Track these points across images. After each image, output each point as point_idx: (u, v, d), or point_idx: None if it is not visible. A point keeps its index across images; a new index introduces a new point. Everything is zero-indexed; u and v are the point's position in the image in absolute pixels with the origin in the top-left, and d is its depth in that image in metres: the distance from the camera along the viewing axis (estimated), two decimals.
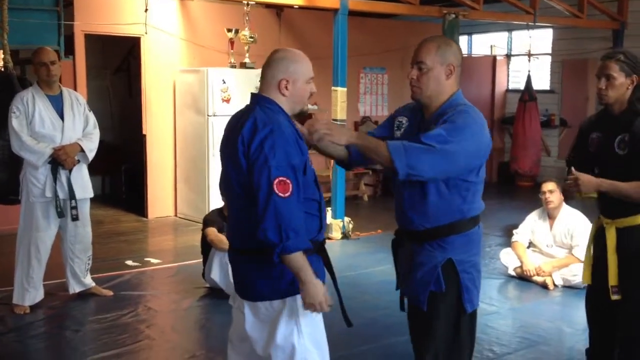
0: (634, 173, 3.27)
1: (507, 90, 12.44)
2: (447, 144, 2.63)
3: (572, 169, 3.34)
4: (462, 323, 2.85)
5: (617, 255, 3.43)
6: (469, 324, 2.90)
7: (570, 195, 3.42)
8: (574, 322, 4.73)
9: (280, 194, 2.43)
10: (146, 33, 8.19)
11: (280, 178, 2.44)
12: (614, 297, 3.44)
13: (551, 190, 5.73)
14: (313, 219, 2.62)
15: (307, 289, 2.50)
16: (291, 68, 2.65)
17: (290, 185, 2.45)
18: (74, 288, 5.24)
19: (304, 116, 2.75)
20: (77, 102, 5.10)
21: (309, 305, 2.52)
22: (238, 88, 7.96)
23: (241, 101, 7.65)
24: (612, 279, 3.43)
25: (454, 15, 8.55)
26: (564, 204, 5.78)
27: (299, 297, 2.56)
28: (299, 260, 2.46)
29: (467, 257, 2.83)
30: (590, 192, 3.31)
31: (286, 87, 2.63)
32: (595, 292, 3.63)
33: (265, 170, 2.45)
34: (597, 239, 3.59)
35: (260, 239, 2.45)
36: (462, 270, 2.81)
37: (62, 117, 4.98)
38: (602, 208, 3.50)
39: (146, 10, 8.04)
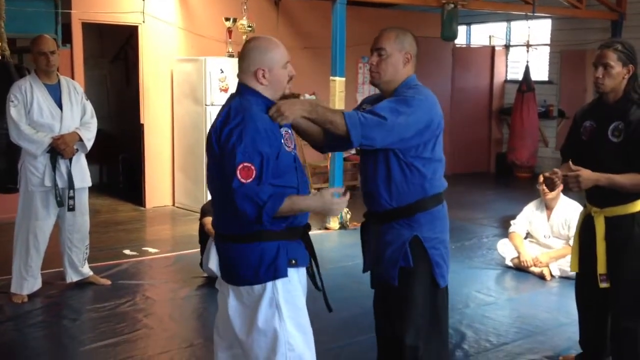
0: (629, 160, 3.31)
1: (506, 81, 12.42)
2: (398, 115, 2.79)
3: (570, 163, 3.37)
4: (438, 298, 3.01)
5: (606, 244, 3.47)
6: (444, 299, 3.05)
7: (569, 189, 3.45)
8: (571, 313, 4.74)
9: (242, 179, 2.49)
10: (144, 22, 8.17)
11: (245, 164, 2.50)
12: (603, 285, 3.49)
13: None
14: (282, 194, 2.62)
15: (314, 210, 2.68)
16: (264, 57, 2.68)
17: (254, 172, 2.51)
18: (72, 277, 5.24)
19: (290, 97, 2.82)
20: (74, 91, 5.08)
21: (330, 213, 2.71)
22: (236, 77, 7.91)
23: None
24: (601, 267, 3.49)
25: (452, 5, 8.51)
26: (561, 194, 5.78)
27: (279, 281, 2.63)
28: (287, 206, 2.56)
29: (434, 234, 2.98)
30: (589, 187, 3.33)
31: (263, 76, 2.68)
32: (584, 280, 3.67)
33: (232, 157, 2.51)
34: (585, 228, 3.63)
35: (245, 222, 2.55)
36: (430, 247, 2.96)
37: (60, 106, 4.96)
38: (590, 197, 3.54)
39: None
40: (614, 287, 3.48)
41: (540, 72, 11.78)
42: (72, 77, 6.99)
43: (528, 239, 6.07)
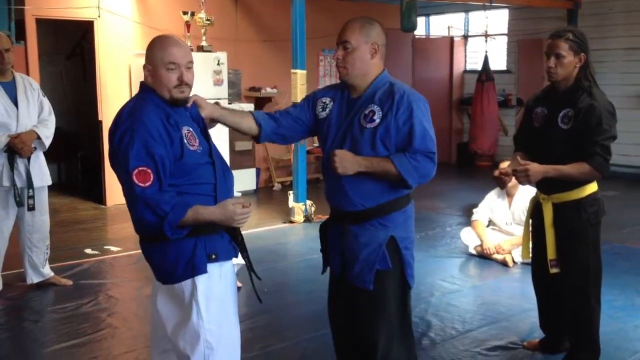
0: (577, 147, 3.37)
1: (465, 71, 12.55)
2: (434, 143, 2.76)
3: (519, 158, 3.43)
4: (407, 298, 2.94)
5: (555, 230, 3.54)
6: (410, 298, 2.98)
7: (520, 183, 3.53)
8: (533, 298, 4.78)
9: (140, 184, 2.43)
10: (99, 16, 8.04)
11: (140, 168, 2.44)
12: (553, 270, 3.57)
13: None
14: (206, 199, 2.58)
15: (217, 221, 2.54)
16: (151, 54, 2.61)
17: (151, 175, 2.44)
18: (32, 278, 5.14)
19: (183, 105, 2.68)
20: (30, 87, 4.98)
21: (233, 224, 2.57)
22: (195, 71, 7.79)
23: (199, 85, 7.56)
24: (551, 253, 3.56)
25: None
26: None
27: (198, 278, 2.57)
28: (189, 218, 2.48)
29: (406, 234, 2.89)
30: (539, 179, 3.40)
31: (150, 74, 2.61)
32: (538, 266, 3.75)
33: (125, 162, 2.45)
34: (535, 214, 3.72)
35: (144, 229, 2.50)
36: (403, 247, 2.87)
37: (16, 104, 4.86)
38: (538, 184, 3.60)
39: None
40: (564, 271, 3.56)
41: (499, 62, 11.93)
42: (27, 74, 6.83)
43: (490, 227, 6.14)
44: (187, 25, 8.03)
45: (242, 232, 2.72)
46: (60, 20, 8.23)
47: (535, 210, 3.73)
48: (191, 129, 2.62)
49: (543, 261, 3.62)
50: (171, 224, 2.46)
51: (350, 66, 2.82)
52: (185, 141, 2.55)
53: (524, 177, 3.37)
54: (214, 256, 2.60)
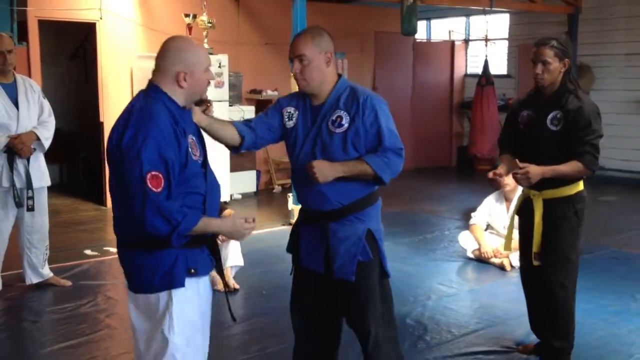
0: (568, 147, 3.52)
1: (466, 75, 12.56)
2: (399, 139, 2.92)
3: (517, 160, 3.53)
4: (387, 287, 3.06)
5: (542, 225, 3.66)
6: (390, 287, 3.09)
7: (520, 185, 3.70)
8: None
9: (154, 189, 2.39)
10: (101, 18, 8.07)
11: (153, 173, 2.39)
12: (536, 262, 3.70)
13: None
14: (196, 213, 2.53)
15: (224, 233, 2.66)
16: (188, 59, 2.56)
17: (162, 180, 2.41)
18: (32, 279, 5.17)
19: (204, 103, 2.83)
20: (31, 89, 5.01)
21: (239, 237, 2.68)
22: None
23: None
24: (535, 246, 3.69)
25: (412, 1, 8.57)
26: (519, 186, 5.86)
27: (175, 291, 2.53)
28: (200, 228, 2.49)
29: (378, 226, 3.03)
30: (537, 180, 3.49)
31: (185, 79, 2.55)
32: (526, 262, 3.86)
33: (138, 165, 2.39)
34: (523, 210, 3.83)
35: (153, 235, 2.42)
36: (379, 239, 3.00)
37: (16, 105, 4.89)
38: None
39: None
40: (548, 263, 3.67)
41: (499, 66, 11.95)
42: (29, 76, 6.87)
43: (488, 231, 6.15)
44: (189, 27, 8.06)
45: None
46: (63, 21, 8.26)
47: (522, 206, 3.83)
48: (194, 138, 2.61)
49: (530, 257, 3.74)
50: (181, 233, 2.43)
51: (309, 78, 2.91)
52: (190, 150, 2.52)
53: (524, 179, 3.50)
54: (193, 270, 2.56)
